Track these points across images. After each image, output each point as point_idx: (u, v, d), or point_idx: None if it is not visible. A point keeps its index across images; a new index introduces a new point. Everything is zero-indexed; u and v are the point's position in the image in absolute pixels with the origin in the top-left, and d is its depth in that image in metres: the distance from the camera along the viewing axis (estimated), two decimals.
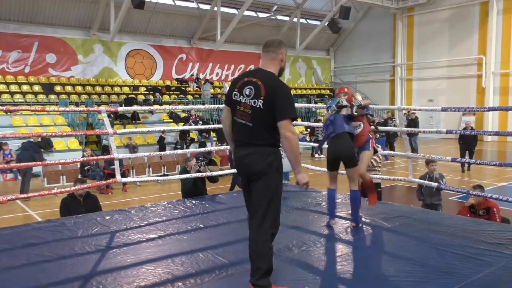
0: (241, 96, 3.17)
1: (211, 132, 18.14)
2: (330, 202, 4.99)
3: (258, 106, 3.09)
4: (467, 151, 13.88)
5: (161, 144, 16.05)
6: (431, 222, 5.00)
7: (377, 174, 7.05)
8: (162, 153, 8.43)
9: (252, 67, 27.70)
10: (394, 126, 17.88)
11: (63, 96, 19.67)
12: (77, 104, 18.58)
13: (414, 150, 15.59)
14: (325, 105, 5.55)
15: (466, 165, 13.84)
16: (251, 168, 3.13)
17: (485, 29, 23.46)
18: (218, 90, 24.75)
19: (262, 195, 3.11)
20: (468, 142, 13.90)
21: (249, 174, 3.17)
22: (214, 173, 7.03)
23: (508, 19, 22.83)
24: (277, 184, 3.16)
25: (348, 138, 4.80)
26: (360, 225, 4.87)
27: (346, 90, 5.25)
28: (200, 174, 6.74)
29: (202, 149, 11.17)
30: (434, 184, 6.26)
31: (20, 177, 12.98)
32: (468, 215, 6.00)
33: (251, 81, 3.17)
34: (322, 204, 5.89)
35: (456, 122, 24.33)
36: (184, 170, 7.03)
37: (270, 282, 3.09)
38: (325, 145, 5.18)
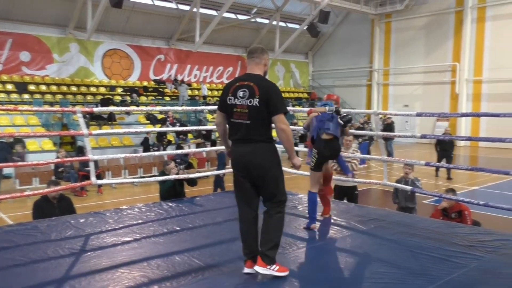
0: (236, 99, 3.51)
1: (189, 134, 18.04)
2: (313, 205, 4.94)
3: (254, 104, 3.44)
4: (444, 158, 13.75)
5: (146, 145, 15.76)
6: (405, 225, 5.09)
7: (354, 178, 7.12)
8: (138, 154, 8.31)
9: (230, 69, 27.75)
10: (370, 130, 18.11)
11: (37, 96, 19.24)
12: (51, 104, 18.18)
13: (389, 154, 15.84)
14: (302, 109, 5.56)
15: (445, 172, 13.77)
16: (253, 164, 3.51)
17: (460, 37, 24.08)
18: (196, 92, 24.65)
19: (272, 187, 3.56)
20: (445, 149, 13.84)
21: (250, 168, 3.53)
22: (192, 176, 6.98)
23: (481, 27, 23.49)
24: (280, 174, 3.62)
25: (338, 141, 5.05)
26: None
27: (335, 97, 5.36)
28: (178, 176, 6.69)
29: (179, 151, 11.09)
30: (408, 188, 6.36)
31: None
32: (441, 218, 6.12)
33: (243, 84, 3.52)
34: (298, 207, 5.92)
35: (430, 127, 24.85)
36: (163, 174, 6.97)
37: (275, 257, 3.50)
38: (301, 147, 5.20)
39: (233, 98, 3.53)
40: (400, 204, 7.35)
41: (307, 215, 5.48)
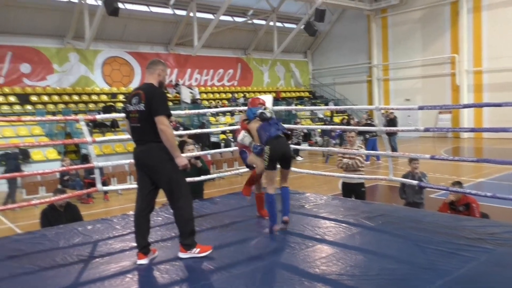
0: (131, 106, 4.03)
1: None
2: (272, 206, 4.81)
3: (141, 109, 3.91)
4: None
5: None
6: (413, 219, 5.07)
7: (360, 174, 7.12)
8: None
9: (231, 71, 27.81)
10: (372, 126, 18.08)
11: (39, 106, 19.29)
12: (54, 114, 18.23)
13: (393, 149, 15.80)
14: (304, 108, 5.51)
15: None
16: (146, 162, 3.98)
17: (456, 28, 24.01)
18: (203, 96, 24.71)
19: (166, 182, 3.95)
20: None
21: (144, 166, 4.00)
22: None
23: (478, 17, 23.41)
24: (172, 169, 3.94)
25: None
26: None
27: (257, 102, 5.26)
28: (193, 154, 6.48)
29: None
30: (414, 182, 6.34)
31: None
32: (449, 211, 6.10)
33: (137, 93, 4.02)
34: (305, 206, 5.92)
35: (433, 120, 24.79)
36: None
37: (195, 241, 4.03)
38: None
39: (129, 105, 4.05)
40: (408, 199, 7.32)
41: (313, 214, 5.49)
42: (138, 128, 3.98)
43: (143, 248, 3.99)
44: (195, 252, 4.00)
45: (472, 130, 12.39)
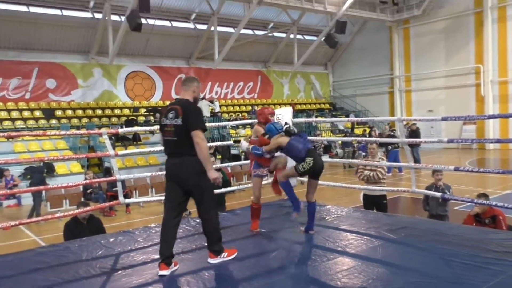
0: (167, 120, 4.17)
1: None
2: (291, 190, 5.07)
3: (178, 123, 4.06)
4: None
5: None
6: (437, 232, 4.96)
7: (382, 186, 7.02)
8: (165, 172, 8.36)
9: (251, 84, 27.97)
10: (394, 137, 17.83)
11: (64, 121, 19.77)
12: (78, 128, 18.63)
13: (416, 161, 15.54)
14: (324, 119, 5.54)
15: None
16: (179, 175, 4.12)
17: (481, 38, 23.66)
18: (223, 108, 24.86)
19: (198, 194, 4.13)
20: None
21: (177, 178, 4.14)
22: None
23: (503, 27, 23.04)
24: (205, 181, 4.09)
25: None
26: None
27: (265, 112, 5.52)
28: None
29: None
30: (438, 194, 6.21)
31: (22, 204, 13.07)
32: (474, 224, 5.95)
33: (173, 108, 4.17)
34: (326, 218, 5.86)
35: (457, 132, 24.32)
36: None
37: (222, 247, 4.29)
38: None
39: (165, 119, 4.19)
40: (431, 211, 7.17)
41: (334, 226, 5.43)
42: (173, 142, 4.12)
43: (166, 258, 4.01)
44: (223, 257, 4.24)
45: (498, 141, 12.09)
